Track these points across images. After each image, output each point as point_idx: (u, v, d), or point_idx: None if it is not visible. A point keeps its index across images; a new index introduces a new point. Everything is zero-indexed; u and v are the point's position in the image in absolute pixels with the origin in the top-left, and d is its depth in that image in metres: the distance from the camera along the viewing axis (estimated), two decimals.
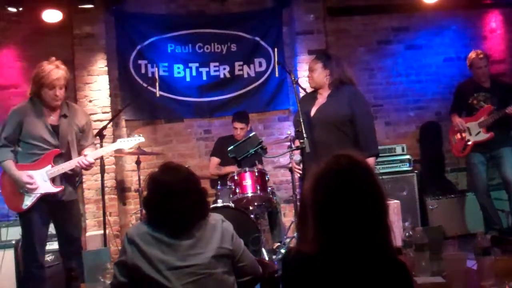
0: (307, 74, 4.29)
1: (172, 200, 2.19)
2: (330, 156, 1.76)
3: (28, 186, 3.63)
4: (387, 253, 1.67)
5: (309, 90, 4.28)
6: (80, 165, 3.76)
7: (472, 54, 5.15)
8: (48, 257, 4.49)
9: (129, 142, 4.06)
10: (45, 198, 3.70)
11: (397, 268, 1.66)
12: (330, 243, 1.65)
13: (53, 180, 3.71)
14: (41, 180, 3.68)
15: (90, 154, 3.80)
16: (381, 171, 5.48)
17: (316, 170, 1.74)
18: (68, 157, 3.79)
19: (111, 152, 4.82)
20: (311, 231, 1.72)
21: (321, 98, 3.99)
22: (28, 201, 3.66)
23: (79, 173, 3.95)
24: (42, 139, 3.68)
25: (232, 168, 5.05)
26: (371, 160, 3.77)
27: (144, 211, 3.72)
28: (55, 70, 3.66)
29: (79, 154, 3.86)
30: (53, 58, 3.77)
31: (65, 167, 3.74)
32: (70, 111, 3.85)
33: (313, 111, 3.95)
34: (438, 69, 6.27)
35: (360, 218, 1.64)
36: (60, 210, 3.78)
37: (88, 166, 3.81)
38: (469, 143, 5.14)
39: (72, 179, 3.90)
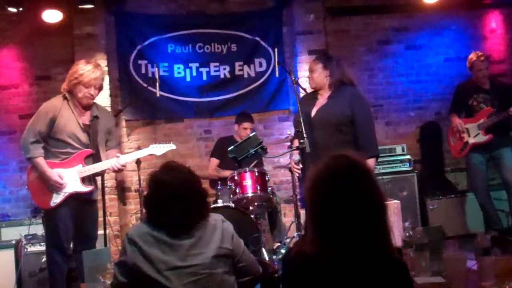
0: (307, 75, 4.29)
1: (173, 201, 2.19)
2: (328, 157, 1.76)
3: (58, 185, 3.65)
4: (386, 252, 1.67)
5: (309, 90, 4.28)
6: (113, 167, 3.78)
7: (472, 56, 5.14)
8: None
9: (161, 148, 4.10)
10: (74, 196, 3.72)
11: (396, 268, 1.67)
12: (329, 243, 1.66)
13: (83, 179, 3.74)
14: (71, 179, 3.70)
15: (123, 157, 3.83)
16: (381, 171, 5.48)
17: (315, 171, 1.74)
18: (98, 158, 3.81)
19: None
20: (311, 231, 1.72)
21: (322, 99, 3.99)
22: (57, 199, 3.68)
23: (103, 173, 3.95)
24: (75, 138, 3.71)
25: (230, 172, 5.04)
26: (371, 161, 3.77)
27: (144, 211, 3.71)
28: (94, 69, 3.72)
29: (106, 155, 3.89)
30: (93, 60, 3.88)
31: (97, 167, 3.77)
32: (100, 112, 3.89)
33: (313, 112, 3.95)
34: (438, 69, 6.28)
35: (359, 218, 1.65)
36: (85, 208, 3.81)
37: (120, 169, 3.84)
38: (468, 144, 5.14)
39: (95, 180, 3.93)
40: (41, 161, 3.66)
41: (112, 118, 4.11)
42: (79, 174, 3.71)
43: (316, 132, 3.86)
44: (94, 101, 3.88)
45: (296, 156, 4.03)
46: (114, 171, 3.87)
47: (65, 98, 3.75)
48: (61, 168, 3.68)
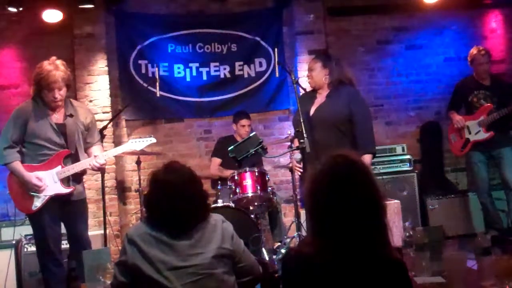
0: (307, 74, 4.29)
1: (173, 201, 2.19)
2: (327, 157, 1.76)
3: (37, 188, 3.61)
4: (385, 252, 1.67)
5: (309, 90, 4.29)
6: (91, 166, 3.73)
7: (473, 50, 5.13)
8: None
9: (141, 143, 4.02)
10: (55, 198, 3.68)
11: (395, 267, 1.67)
12: (329, 243, 1.66)
13: (63, 181, 3.70)
14: (51, 181, 3.66)
15: (101, 155, 3.77)
16: (381, 171, 5.48)
17: (314, 171, 1.74)
18: (77, 157, 3.77)
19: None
20: (310, 232, 1.73)
21: (320, 98, 4.00)
22: (38, 203, 3.65)
23: (85, 171, 3.92)
24: (47, 139, 3.65)
25: (233, 172, 5.04)
26: (367, 157, 3.79)
27: (144, 210, 3.71)
28: (53, 72, 3.61)
29: (86, 153, 3.84)
30: (54, 58, 3.73)
31: (76, 168, 3.72)
32: (75, 110, 3.82)
33: (312, 111, 3.96)
34: (438, 69, 6.27)
35: (358, 218, 1.65)
36: (70, 209, 3.77)
37: (100, 168, 3.78)
38: (469, 142, 5.14)
39: (79, 178, 3.87)
40: (16, 165, 3.62)
41: (89, 113, 3.97)
42: (59, 176, 3.67)
43: (315, 131, 3.87)
44: (70, 99, 3.83)
45: (298, 155, 4.04)
46: (94, 170, 3.79)
47: (34, 100, 3.71)
48: (40, 171, 3.64)
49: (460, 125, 5.14)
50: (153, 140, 4.08)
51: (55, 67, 3.64)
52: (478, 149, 5.11)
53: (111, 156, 3.96)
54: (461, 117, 5.19)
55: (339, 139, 3.82)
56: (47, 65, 3.65)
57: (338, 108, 3.86)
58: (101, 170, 3.90)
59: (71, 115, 3.76)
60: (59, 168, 3.68)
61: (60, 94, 3.65)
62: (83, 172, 3.90)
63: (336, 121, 3.85)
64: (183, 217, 2.20)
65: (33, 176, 3.61)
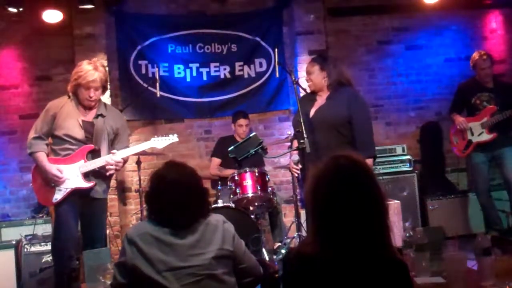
0: (306, 78, 4.28)
1: (174, 197, 2.20)
2: (328, 157, 1.76)
3: (57, 179, 3.63)
4: (386, 253, 1.67)
5: (309, 90, 4.28)
6: (107, 163, 3.71)
7: (475, 55, 5.14)
8: (49, 258, 4.48)
9: (163, 141, 4.00)
10: (78, 193, 3.70)
11: (396, 267, 1.67)
12: (330, 243, 1.66)
13: (85, 175, 3.71)
14: (73, 175, 3.68)
15: (118, 152, 3.76)
16: (382, 171, 5.48)
17: (315, 171, 1.74)
18: (99, 156, 3.77)
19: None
20: (311, 232, 1.72)
21: (320, 100, 4.00)
22: (58, 195, 3.67)
23: (113, 174, 3.90)
24: (71, 135, 3.68)
25: (233, 171, 5.04)
26: (368, 162, 3.77)
27: (144, 211, 3.70)
28: (92, 71, 3.66)
29: None
30: (95, 59, 3.84)
31: (97, 163, 3.73)
32: (108, 111, 3.86)
33: (312, 113, 3.96)
34: (439, 70, 6.27)
35: (359, 218, 1.65)
36: (90, 207, 3.78)
37: (116, 165, 3.74)
38: (471, 143, 5.13)
39: (106, 178, 3.84)
40: (40, 155, 3.68)
41: (121, 119, 4.00)
42: (81, 170, 3.69)
43: (315, 132, 3.86)
44: (104, 101, 3.88)
45: (295, 156, 4.03)
46: (110, 168, 3.74)
47: (69, 97, 3.78)
48: (62, 164, 3.68)
49: (464, 127, 5.14)
50: (176, 138, 4.04)
51: (94, 67, 3.69)
52: (480, 150, 5.11)
53: (130, 154, 3.89)
54: (464, 118, 5.19)
55: (339, 141, 3.81)
56: (86, 64, 3.71)
57: (338, 110, 3.86)
58: (118, 169, 3.85)
59: (102, 115, 3.79)
60: (81, 162, 3.70)
61: (95, 94, 3.70)
62: (111, 174, 3.85)
63: (336, 123, 3.84)
64: (183, 212, 2.20)
65: (53, 167, 3.64)
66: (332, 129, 3.85)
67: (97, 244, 3.72)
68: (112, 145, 3.86)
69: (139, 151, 4.07)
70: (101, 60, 3.80)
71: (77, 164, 3.69)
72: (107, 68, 3.78)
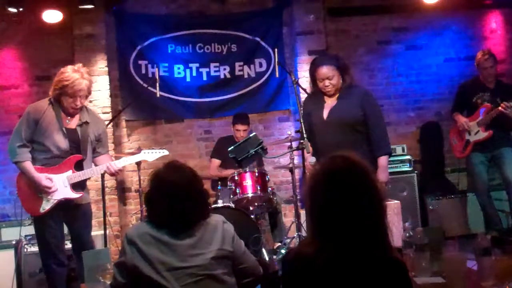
0: (307, 75, 4.28)
1: (174, 199, 2.19)
2: (326, 158, 1.77)
3: (47, 189, 3.59)
4: (385, 252, 1.67)
5: (309, 90, 4.28)
6: (109, 169, 3.71)
7: (478, 54, 5.17)
8: None
9: (153, 154, 4.03)
10: (62, 202, 3.67)
11: (395, 267, 1.67)
12: (329, 243, 1.66)
13: (73, 186, 3.68)
14: (61, 185, 3.64)
15: (117, 162, 3.78)
16: None
17: (313, 172, 1.75)
18: (84, 164, 3.75)
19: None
20: (310, 232, 1.73)
21: (330, 101, 3.98)
22: (46, 205, 3.63)
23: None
24: (53, 143, 3.62)
25: (232, 172, 5.04)
26: (384, 159, 3.85)
27: (144, 211, 3.69)
28: (80, 80, 3.57)
29: (94, 162, 3.84)
30: (80, 65, 3.70)
31: (87, 173, 3.71)
32: (90, 117, 3.80)
33: (325, 114, 3.94)
34: (438, 70, 6.27)
35: (357, 219, 1.65)
36: (74, 213, 3.76)
37: (117, 173, 3.78)
38: (469, 143, 5.14)
39: (84, 182, 3.84)
40: (27, 164, 3.60)
41: (102, 124, 3.98)
42: (69, 180, 3.65)
43: (330, 133, 3.86)
44: (85, 105, 3.80)
45: (312, 158, 4.05)
46: (110, 173, 3.78)
47: (50, 102, 3.68)
48: (51, 174, 3.62)
49: (466, 127, 5.13)
50: (166, 152, 4.08)
51: (81, 75, 3.60)
52: (478, 150, 5.12)
53: (122, 165, 3.89)
54: (466, 119, 5.19)
55: (357, 139, 3.85)
56: (72, 72, 3.60)
57: (352, 109, 3.88)
58: (117, 174, 3.89)
59: (86, 123, 3.74)
60: (69, 172, 3.66)
61: (81, 102, 3.64)
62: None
63: (351, 122, 3.86)
64: (183, 214, 2.19)
65: (43, 177, 3.58)
66: (348, 128, 3.86)
67: (83, 245, 3.69)
68: (94, 151, 3.85)
69: (130, 163, 4.06)
70: (84, 68, 3.68)
71: (65, 174, 3.65)
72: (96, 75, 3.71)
